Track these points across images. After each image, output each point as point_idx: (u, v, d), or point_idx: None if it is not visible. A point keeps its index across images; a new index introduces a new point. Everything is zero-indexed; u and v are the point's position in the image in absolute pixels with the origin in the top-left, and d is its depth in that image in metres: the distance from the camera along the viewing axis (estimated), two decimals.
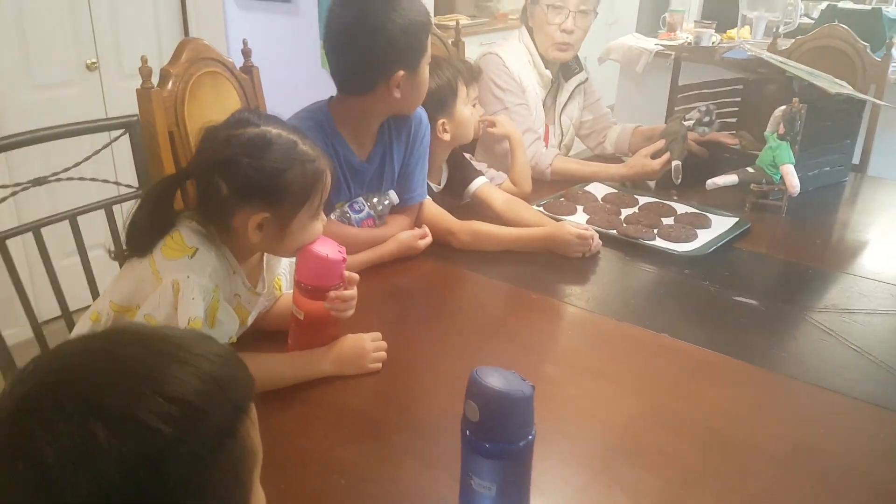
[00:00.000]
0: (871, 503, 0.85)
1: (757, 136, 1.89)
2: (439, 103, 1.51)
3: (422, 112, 1.41)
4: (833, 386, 1.04)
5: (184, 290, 0.92)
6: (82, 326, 1.04)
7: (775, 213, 1.69)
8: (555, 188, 1.78)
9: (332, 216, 1.35)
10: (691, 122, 1.85)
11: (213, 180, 0.95)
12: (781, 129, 1.66)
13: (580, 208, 1.68)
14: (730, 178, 1.71)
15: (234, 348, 0.99)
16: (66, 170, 1.30)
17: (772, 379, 1.07)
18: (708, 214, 1.63)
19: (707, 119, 1.85)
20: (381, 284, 1.32)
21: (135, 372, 0.48)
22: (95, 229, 1.39)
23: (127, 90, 1.50)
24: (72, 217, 1.32)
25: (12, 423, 0.46)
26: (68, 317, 1.33)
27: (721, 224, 1.59)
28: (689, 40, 3.24)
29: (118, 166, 1.67)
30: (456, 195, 1.63)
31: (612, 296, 1.34)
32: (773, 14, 3.03)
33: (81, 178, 1.33)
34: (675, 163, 1.78)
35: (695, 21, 3.68)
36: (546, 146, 1.96)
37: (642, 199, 1.73)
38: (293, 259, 1.12)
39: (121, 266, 1.04)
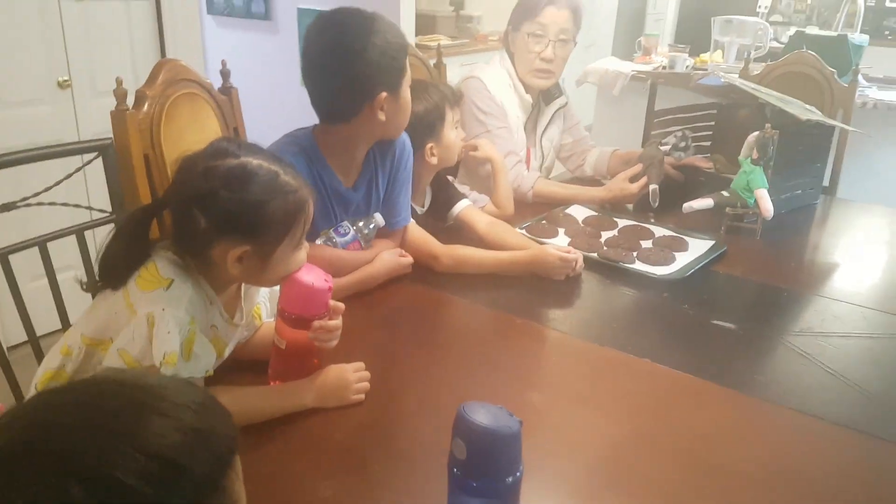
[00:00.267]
0: None
1: (730, 160, 1.93)
2: (428, 127, 1.51)
3: (405, 137, 1.41)
4: (810, 409, 1.06)
5: (159, 323, 0.90)
6: (52, 359, 1.00)
7: (750, 235, 1.71)
8: (536, 210, 1.79)
9: (318, 241, 1.34)
10: (668, 146, 1.88)
11: (190, 213, 0.92)
12: (755, 155, 1.69)
13: (562, 231, 1.69)
14: (705, 202, 1.73)
15: (211, 381, 0.99)
16: (37, 194, 1.27)
17: (750, 403, 1.08)
18: (685, 237, 1.65)
19: (683, 144, 1.88)
20: (364, 311, 1.30)
21: (113, 427, 0.46)
22: (66, 252, 1.35)
23: (100, 109, 1.48)
24: (41, 243, 1.29)
25: None
26: (35, 342, 1.29)
27: (698, 247, 1.61)
28: (663, 64, 3.31)
29: (91, 190, 1.64)
30: (440, 217, 1.63)
31: (594, 320, 1.35)
32: (744, 39, 3.10)
33: (52, 203, 1.29)
34: (652, 186, 1.80)
35: (669, 45, 3.77)
36: (527, 169, 1.97)
37: (621, 222, 1.75)
38: (273, 287, 1.10)
39: (93, 297, 1.01)
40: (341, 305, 1.04)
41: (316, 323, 1.00)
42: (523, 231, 1.65)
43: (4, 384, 1.25)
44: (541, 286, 1.44)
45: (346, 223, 1.38)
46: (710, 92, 2.59)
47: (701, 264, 1.52)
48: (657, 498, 0.88)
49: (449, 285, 1.42)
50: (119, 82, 1.40)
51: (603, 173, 2.07)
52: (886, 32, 4.68)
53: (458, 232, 1.61)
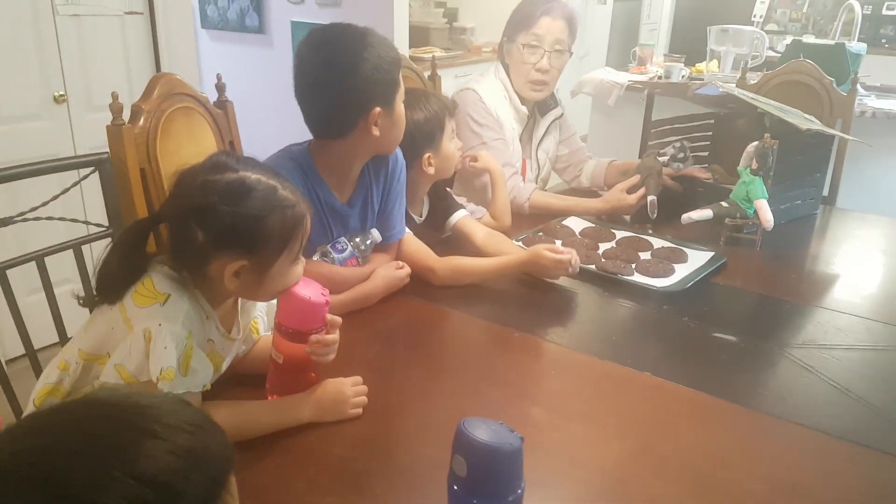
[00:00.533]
0: None
1: (729, 170, 1.92)
2: (427, 136, 1.51)
3: (397, 150, 1.41)
4: (813, 423, 1.04)
5: (155, 338, 0.89)
6: (50, 374, 1.00)
7: (750, 246, 1.71)
8: (533, 222, 1.78)
9: (315, 257, 1.33)
10: (666, 157, 1.87)
11: (188, 226, 0.91)
12: (754, 165, 1.68)
13: (558, 242, 1.67)
14: (704, 213, 1.72)
15: (209, 395, 0.98)
16: (34, 209, 1.26)
17: (752, 417, 1.06)
18: (684, 249, 1.64)
19: (681, 155, 1.88)
20: (362, 325, 1.29)
21: (105, 451, 0.45)
22: (63, 266, 1.34)
23: (96, 123, 1.48)
24: (39, 258, 1.28)
25: None
26: (33, 356, 1.27)
27: (697, 258, 1.60)
28: (659, 74, 3.32)
29: (88, 205, 1.63)
30: (437, 227, 1.62)
31: (594, 333, 1.33)
32: (740, 48, 3.11)
33: (49, 218, 1.29)
34: (650, 198, 1.79)
35: (664, 55, 3.77)
36: (523, 180, 1.96)
37: (619, 234, 1.74)
38: (270, 301, 1.09)
39: (90, 312, 1.00)
40: (338, 319, 1.03)
41: (313, 337, 0.99)
42: (519, 242, 1.64)
43: (3, 398, 1.24)
44: (539, 299, 1.43)
45: (343, 239, 1.37)
46: (707, 102, 2.59)
47: (701, 276, 1.51)
48: None
49: (447, 299, 1.41)
50: (115, 97, 1.40)
51: (600, 184, 2.06)
52: (884, 41, 4.70)
53: (455, 242, 1.60)
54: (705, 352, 1.25)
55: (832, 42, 2.96)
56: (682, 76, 3.18)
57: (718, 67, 3.30)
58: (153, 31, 2.51)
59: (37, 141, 2.23)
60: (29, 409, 1.01)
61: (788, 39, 3.34)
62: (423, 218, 1.62)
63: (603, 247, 1.67)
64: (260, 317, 1.13)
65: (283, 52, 3.45)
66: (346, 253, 1.37)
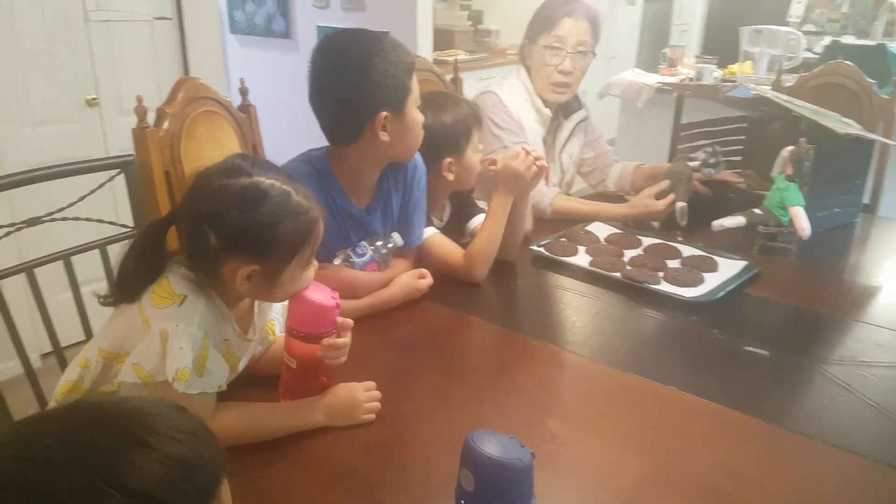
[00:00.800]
0: None
1: (763, 175, 1.86)
2: (452, 141, 1.48)
3: (417, 155, 1.38)
4: (849, 445, 0.99)
5: (172, 339, 0.89)
6: (72, 372, 1.01)
7: (784, 255, 1.64)
8: (556, 227, 1.75)
9: (336, 261, 1.31)
10: (697, 162, 1.82)
11: (201, 230, 0.91)
12: (789, 170, 1.62)
13: (582, 249, 1.64)
14: (737, 220, 1.67)
15: (224, 396, 0.97)
16: (61, 209, 1.27)
17: (784, 437, 1.01)
18: (715, 257, 1.59)
19: (713, 160, 1.82)
20: (380, 331, 1.28)
21: (91, 461, 0.44)
22: (91, 266, 1.36)
23: (127, 127, 1.49)
24: (65, 258, 1.29)
25: None
26: (60, 353, 1.29)
27: (729, 268, 1.55)
28: (690, 76, 3.25)
29: (118, 206, 1.64)
30: (458, 231, 1.60)
31: (616, 343, 1.29)
32: (775, 49, 3.02)
33: (76, 219, 1.30)
34: (680, 204, 1.74)
35: (696, 56, 3.70)
36: (546, 184, 1.93)
37: (646, 241, 1.69)
38: (286, 302, 1.09)
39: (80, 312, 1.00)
40: (349, 322, 1.02)
41: (325, 341, 0.98)
42: (541, 248, 1.61)
43: (30, 394, 1.26)
44: (560, 308, 1.40)
45: (364, 243, 1.35)
46: (739, 104, 2.52)
47: (732, 286, 1.46)
48: None
49: (466, 305, 1.38)
50: (139, 100, 1.40)
51: (626, 189, 2.01)
52: None
53: None
54: (735, 366, 1.20)
55: (873, 43, 2.87)
56: (715, 78, 3.11)
57: (753, 69, 3.22)
58: (182, 37, 2.54)
59: (69, 144, 2.27)
60: (51, 406, 1.01)
61: (826, 40, 3.23)
62: (443, 222, 1.60)
63: (629, 254, 1.62)
64: (276, 318, 1.13)
65: (308, 56, 3.46)
66: (367, 257, 1.36)
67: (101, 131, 2.39)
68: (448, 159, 1.50)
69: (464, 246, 1.59)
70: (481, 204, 1.67)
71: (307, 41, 3.49)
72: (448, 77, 2.12)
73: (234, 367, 1.02)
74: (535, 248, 1.61)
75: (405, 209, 1.40)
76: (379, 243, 1.37)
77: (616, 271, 1.51)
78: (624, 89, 3.35)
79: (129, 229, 1.40)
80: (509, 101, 1.86)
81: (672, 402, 1.09)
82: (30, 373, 1.26)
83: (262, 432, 0.96)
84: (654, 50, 4.59)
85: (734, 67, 3.31)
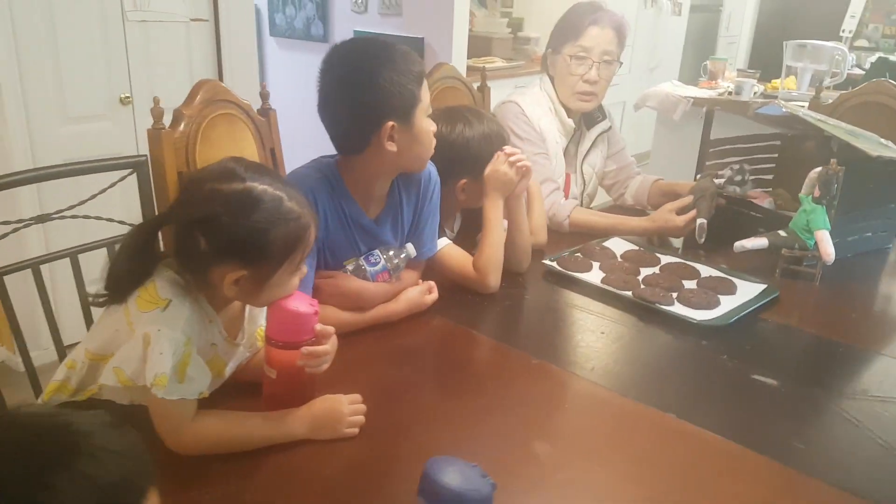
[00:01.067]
0: None
1: (794, 196, 1.78)
2: (472, 160, 1.45)
3: (430, 167, 1.37)
4: (854, 487, 0.93)
5: (153, 343, 0.89)
6: (59, 372, 1.02)
7: (808, 280, 1.58)
8: (573, 241, 1.71)
9: (348, 269, 1.31)
10: (722, 179, 1.76)
11: (192, 234, 0.92)
12: (817, 192, 1.56)
13: (596, 265, 1.60)
14: (759, 242, 1.61)
15: (209, 403, 0.97)
16: (72, 207, 1.31)
17: (784, 474, 0.96)
18: (734, 279, 1.53)
19: (739, 178, 1.77)
20: (378, 342, 1.27)
21: (8, 487, 0.43)
22: (100, 265, 1.38)
23: None
24: (73, 255, 1.32)
25: None
26: (62, 351, 1.30)
27: (747, 291, 1.49)
28: (729, 89, 3.16)
29: (132, 205, 1.68)
30: (470, 241, 1.58)
31: (619, 366, 1.25)
32: (819, 65, 2.92)
33: (86, 217, 1.33)
34: (700, 221, 1.69)
35: (738, 70, 3.60)
36: (567, 195, 1.90)
37: (665, 259, 1.64)
38: None
39: (84, 313, 1.02)
40: (330, 329, 1.01)
41: (304, 349, 0.97)
42: (554, 263, 1.58)
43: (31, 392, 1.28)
44: (567, 326, 1.37)
45: (377, 252, 1.34)
46: (774, 122, 2.44)
47: (748, 310, 1.40)
48: None
49: (470, 319, 1.36)
50: (156, 101, 1.43)
51: (643, 203, 1.97)
52: None
53: None
54: (740, 396, 1.15)
55: None
56: (754, 93, 3.02)
57: (795, 85, 3.12)
58: (217, 39, 2.59)
59: (102, 141, 2.33)
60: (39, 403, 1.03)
61: (874, 57, 3.10)
62: (454, 233, 1.58)
63: (644, 272, 1.58)
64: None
65: None
66: (379, 266, 1.35)
67: (133, 130, 2.45)
68: (463, 180, 1.48)
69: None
70: None
71: None
72: (476, 85, 2.11)
73: (221, 372, 1.02)
74: (547, 262, 1.58)
75: (417, 220, 1.39)
76: (391, 252, 1.36)
77: (628, 290, 1.47)
78: (660, 101, 3.29)
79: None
80: (531, 111, 1.84)
81: (669, 430, 1.05)
82: (31, 371, 1.27)
83: (240, 442, 0.95)
84: (698, 62, 4.48)
85: (777, 83, 3.22)
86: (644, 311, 1.41)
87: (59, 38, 2.19)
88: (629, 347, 1.30)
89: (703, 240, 1.68)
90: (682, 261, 1.63)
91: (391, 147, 1.22)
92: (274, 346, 0.98)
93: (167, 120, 1.46)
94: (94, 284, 1.32)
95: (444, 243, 1.46)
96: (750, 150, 2.03)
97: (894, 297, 1.62)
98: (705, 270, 1.58)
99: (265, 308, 1.08)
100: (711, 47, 5.56)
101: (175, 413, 0.92)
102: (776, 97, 2.93)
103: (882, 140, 1.77)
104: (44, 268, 1.27)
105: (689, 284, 1.52)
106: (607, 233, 1.77)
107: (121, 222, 1.40)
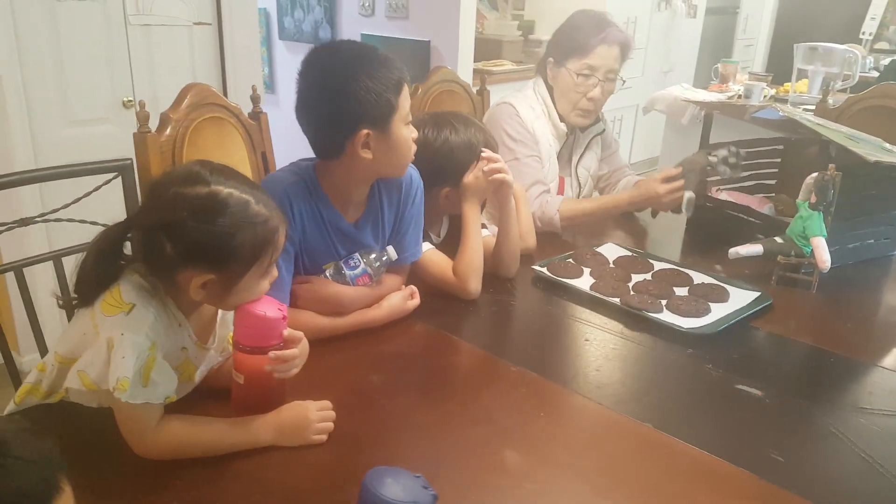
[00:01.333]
0: None
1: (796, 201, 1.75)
2: (454, 168, 1.44)
3: (412, 171, 1.36)
4: (832, 502, 0.90)
5: (117, 347, 0.89)
6: (31, 375, 1.03)
7: (805, 288, 1.54)
8: (565, 248, 1.69)
9: (327, 273, 1.30)
10: (716, 158, 1.74)
11: (157, 238, 0.91)
12: (813, 198, 1.52)
13: (587, 271, 1.58)
14: (754, 248, 1.57)
15: (180, 408, 0.97)
16: (55, 210, 1.32)
17: (761, 488, 0.93)
18: (727, 286, 1.50)
19: (733, 160, 1.74)
20: (356, 347, 1.25)
21: None
22: None
23: None
24: (56, 258, 1.33)
25: None
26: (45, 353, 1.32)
27: (740, 298, 1.46)
28: (739, 93, 3.11)
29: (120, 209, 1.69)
30: (456, 247, 1.57)
31: (600, 374, 1.22)
32: (831, 68, 2.86)
33: (70, 220, 1.34)
34: (688, 194, 1.68)
35: (749, 73, 3.54)
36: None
37: (658, 265, 1.61)
38: None
39: (68, 316, 1.02)
40: (298, 334, 1.00)
41: (271, 353, 0.96)
42: (543, 269, 1.55)
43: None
44: (551, 334, 1.34)
45: (357, 255, 1.33)
46: (775, 126, 2.39)
47: (737, 318, 1.37)
48: None
49: (453, 325, 1.35)
50: (142, 105, 1.44)
51: None
52: None
53: None
54: (722, 406, 1.12)
55: None
56: (764, 96, 2.97)
57: (807, 88, 3.05)
58: (220, 42, 2.60)
59: (104, 144, 2.35)
60: (9, 407, 1.03)
61: (888, 60, 3.03)
62: (440, 238, 1.57)
63: (636, 278, 1.55)
64: None
65: None
66: (359, 270, 1.33)
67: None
68: (446, 188, 1.47)
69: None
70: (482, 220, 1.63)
71: None
72: (476, 89, 2.10)
73: (192, 376, 1.02)
74: (536, 267, 1.56)
75: (399, 224, 1.38)
76: (372, 256, 1.35)
77: (617, 297, 1.45)
78: (668, 105, 3.25)
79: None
80: (525, 113, 1.82)
81: (645, 440, 1.03)
82: (13, 373, 1.28)
83: (206, 447, 0.94)
84: (714, 65, 4.43)
85: (789, 86, 3.16)
86: (631, 318, 1.38)
87: (61, 42, 2.22)
88: (612, 355, 1.28)
89: (689, 213, 1.67)
90: (676, 267, 1.60)
91: (366, 154, 1.21)
92: (241, 350, 0.97)
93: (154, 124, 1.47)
94: None
95: (426, 248, 1.45)
96: (752, 154, 1.99)
97: (892, 306, 1.57)
98: (698, 277, 1.55)
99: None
100: (728, 50, 5.48)
101: (140, 417, 0.92)
102: (786, 101, 2.88)
103: (886, 145, 1.72)
104: (36, 268, 1.28)
105: (681, 291, 1.49)
106: (596, 213, 1.79)
107: (104, 225, 1.42)
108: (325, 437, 0.99)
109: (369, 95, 1.16)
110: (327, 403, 1.02)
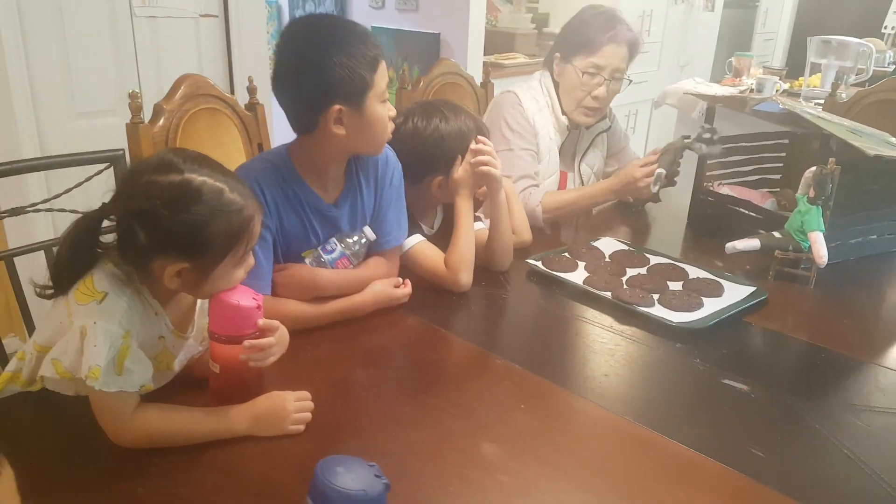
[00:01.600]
0: None
1: None
2: (445, 156, 1.43)
3: (389, 152, 1.35)
4: (809, 497, 0.88)
5: (89, 335, 0.89)
6: (12, 363, 1.04)
7: (804, 283, 1.51)
8: (560, 242, 1.68)
9: (307, 261, 1.30)
10: (690, 138, 1.73)
11: (130, 226, 0.92)
12: (811, 193, 1.49)
13: (582, 265, 1.56)
14: (751, 243, 1.54)
15: (156, 396, 0.97)
16: (46, 200, 1.33)
17: (738, 482, 0.92)
18: (721, 281, 1.47)
19: (708, 136, 1.73)
20: (344, 339, 1.25)
21: None
22: None
23: None
24: (47, 248, 1.34)
25: None
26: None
27: (734, 293, 1.43)
28: (752, 86, 3.06)
29: None
30: (450, 237, 1.56)
31: (586, 368, 1.21)
32: (845, 62, 2.80)
33: (62, 210, 1.35)
34: (659, 170, 1.68)
35: (764, 67, 3.48)
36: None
37: (654, 259, 1.59)
38: None
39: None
40: (275, 322, 1.00)
41: (246, 342, 0.96)
42: (538, 263, 1.54)
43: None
44: (545, 328, 1.33)
45: (333, 240, 1.32)
46: (778, 120, 2.35)
47: (729, 314, 1.35)
48: None
49: (443, 318, 1.34)
50: (133, 96, 1.45)
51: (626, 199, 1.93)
52: None
53: None
54: (706, 400, 1.11)
55: None
56: (777, 90, 2.92)
57: (821, 82, 2.99)
58: (227, 34, 2.62)
59: (110, 135, 2.37)
60: None
61: None
62: (434, 230, 1.56)
63: (630, 272, 1.53)
64: None
65: None
66: (336, 254, 1.32)
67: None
68: (438, 178, 1.46)
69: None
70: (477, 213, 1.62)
71: None
72: (480, 81, 2.09)
73: (170, 365, 1.02)
74: (530, 261, 1.55)
75: (378, 208, 1.36)
76: (350, 239, 1.33)
77: (609, 290, 1.43)
78: (679, 100, 3.20)
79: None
80: (528, 105, 1.81)
81: (624, 434, 1.01)
82: (3, 359, 1.30)
83: (182, 436, 0.94)
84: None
85: (803, 80, 3.10)
86: (622, 312, 1.37)
87: (67, 34, 2.24)
88: (600, 350, 1.26)
89: (656, 189, 1.69)
90: (671, 262, 1.57)
91: (339, 130, 1.20)
92: (216, 340, 0.97)
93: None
94: None
95: (417, 240, 1.44)
96: (756, 148, 1.96)
97: (893, 303, 1.53)
98: (693, 272, 1.53)
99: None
100: (747, 44, 5.39)
101: (115, 406, 0.92)
102: (799, 95, 2.82)
103: (892, 139, 1.68)
104: (28, 258, 1.30)
105: (675, 286, 1.47)
106: (578, 203, 1.78)
107: None
108: (302, 427, 0.99)
109: (342, 71, 1.15)
110: (305, 394, 1.02)
